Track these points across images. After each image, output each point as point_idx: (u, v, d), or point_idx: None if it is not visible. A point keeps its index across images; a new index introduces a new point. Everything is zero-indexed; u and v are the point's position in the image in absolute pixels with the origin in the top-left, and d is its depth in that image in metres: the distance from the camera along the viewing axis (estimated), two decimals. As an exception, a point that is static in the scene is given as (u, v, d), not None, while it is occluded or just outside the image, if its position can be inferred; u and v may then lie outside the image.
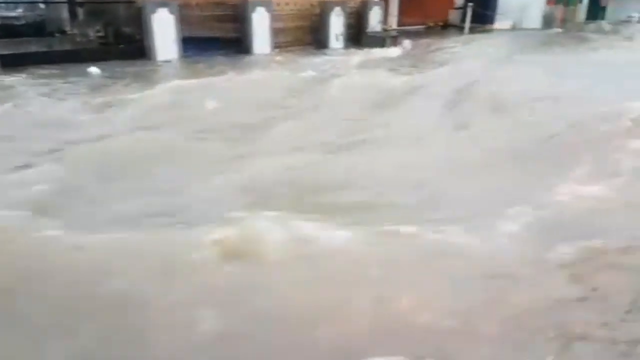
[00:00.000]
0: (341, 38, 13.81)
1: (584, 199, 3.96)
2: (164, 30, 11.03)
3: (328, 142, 5.90)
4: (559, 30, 19.28)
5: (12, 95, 7.62)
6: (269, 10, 12.15)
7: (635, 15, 22.88)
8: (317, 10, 13.52)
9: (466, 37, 16.64)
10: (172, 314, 2.58)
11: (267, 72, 10.19)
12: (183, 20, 11.54)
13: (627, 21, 22.24)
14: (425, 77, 9.67)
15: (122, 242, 3.20)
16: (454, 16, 19.81)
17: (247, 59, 11.74)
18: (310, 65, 11.05)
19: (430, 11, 18.77)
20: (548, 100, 6.78)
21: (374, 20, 14.67)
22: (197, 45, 11.92)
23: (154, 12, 10.93)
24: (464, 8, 18.50)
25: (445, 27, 19.32)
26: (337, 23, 13.61)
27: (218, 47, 12.06)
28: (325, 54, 12.80)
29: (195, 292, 2.74)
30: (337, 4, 13.51)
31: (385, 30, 15.55)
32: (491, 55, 12.35)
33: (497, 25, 19.69)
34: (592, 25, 20.41)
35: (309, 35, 13.65)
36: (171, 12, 11.06)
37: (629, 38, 15.85)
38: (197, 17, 11.97)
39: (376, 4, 14.63)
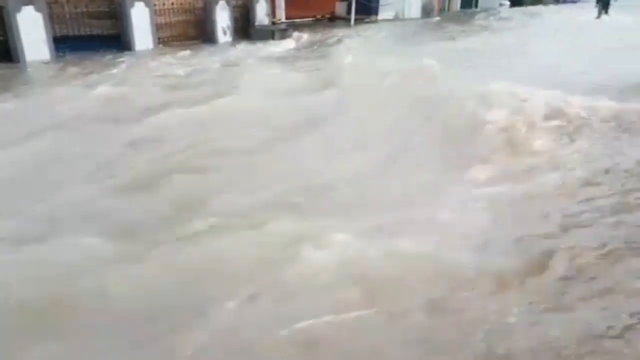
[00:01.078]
0: (229, 31, 13.36)
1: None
2: (31, 30, 9.99)
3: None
4: (437, 19, 20.06)
5: None
6: (148, 4, 11.44)
7: (506, 2, 24.46)
8: (201, 4, 12.94)
9: (353, 29, 16.82)
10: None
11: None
12: (54, 19, 10.57)
13: (498, 8, 23.72)
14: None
15: None
16: (340, 8, 19.96)
17: (127, 56, 10.92)
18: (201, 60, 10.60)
19: (317, 4, 18.75)
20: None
21: (261, 13, 14.35)
22: (73, 44, 11.00)
23: (18, 10, 9.89)
24: (349, 0, 18.72)
25: (333, 20, 19.40)
26: (223, 16, 13.13)
27: (96, 45, 11.18)
28: (213, 49, 12.28)
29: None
30: (222, -3, 13.03)
31: (274, 23, 15.28)
32: (375, 46, 12.63)
33: (381, 16, 20.14)
34: (465, 15, 21.57)
35: (194, 29, 13.06)
36: (38, 10, 10.07)
37: (485, 27, 16.79)
38: (71, 15, 11.02)
39: (262, -4, 14.29)
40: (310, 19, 18.59)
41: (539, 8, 23.92)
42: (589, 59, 9.94)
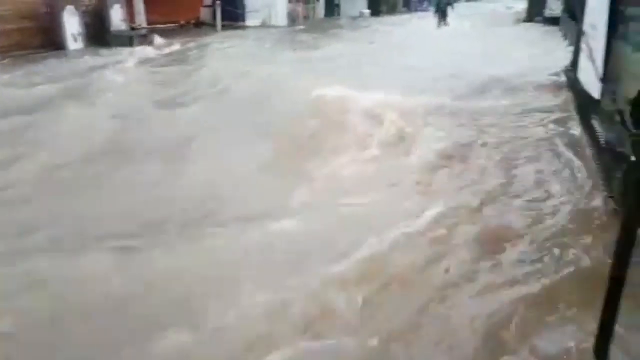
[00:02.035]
0: (80, 38, 12.43)
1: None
2: None
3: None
4: (302, 26, 20.42)
5: None
6: (-22, 11, 10.21)
7: (365, 11, 25.63)
8: (45, 9, 11.85)
9: (219, 35, 16.56)
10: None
11: None
12: None
13: (359, 16, 24.79)
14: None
15: None
16: (205, 14, 19.57)
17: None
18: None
19: (180, 9, 18.15)
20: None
21: (116, 18, 13.52)
22: None
23: None
24: (213, 6, 18.39)
25: (198, 25, 18.99)
26: (72, 22, 12.17)
27: None
28: (58, 57, 11.26)
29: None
30: (69, 2, 12.02)
31: (133, 28, 14.51)
32: (238, 54, 12.49)
33: (249, 22, 20.08)
34: (327, 23, 22.26)
35: (40, 37, 11.91)
36: None
37: (342, 36, 17.43)
38: None
39: (116, 1, 13.43)
40: (175, 24, 18.00)
41: (393, 18, 25.37)
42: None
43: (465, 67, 10.05)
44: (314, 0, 24.07)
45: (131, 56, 11.70)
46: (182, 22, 18.49)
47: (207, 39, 15.17)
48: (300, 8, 22.26)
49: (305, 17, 22.86)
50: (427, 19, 22.98)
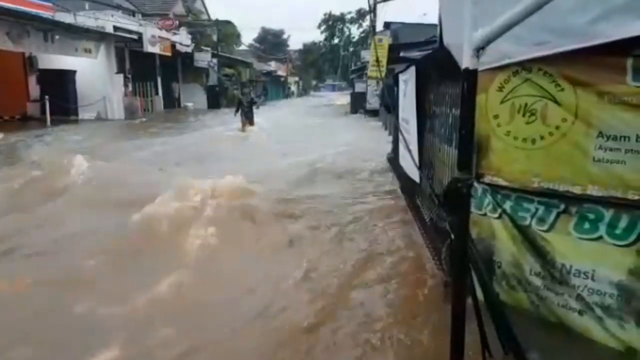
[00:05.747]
0: None
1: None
2: None
3: None
4: (143, 119, 20.02)
5: None
6: None
7: (190, 104, 26.27)
8: None
9: (45, 130, 15.24)
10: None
11: None
12: None
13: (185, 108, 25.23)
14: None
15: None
16: (33, 109, 18.20)
17: None
18: None
19: (3, 103, 16.64)
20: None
21: None
22: None
23: None
24: (42, 101, 17.19)
25: (26, 120, 17.52)
26: None
27: None
28: None
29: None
30: None
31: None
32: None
33: (82, 115, 19.13)
34: (168, 114, 22.23)
35: None
36: None
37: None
38: None
39: None
40: (-2, 119, 16.39)
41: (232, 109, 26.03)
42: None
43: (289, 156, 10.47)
44: (152, 94, 23.94)
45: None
46: (6, 117, 16.90)
47: (30, 135, 13.88)
48: (138, 101, 21.89)
49: (145, 110, 22.52)
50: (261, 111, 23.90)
